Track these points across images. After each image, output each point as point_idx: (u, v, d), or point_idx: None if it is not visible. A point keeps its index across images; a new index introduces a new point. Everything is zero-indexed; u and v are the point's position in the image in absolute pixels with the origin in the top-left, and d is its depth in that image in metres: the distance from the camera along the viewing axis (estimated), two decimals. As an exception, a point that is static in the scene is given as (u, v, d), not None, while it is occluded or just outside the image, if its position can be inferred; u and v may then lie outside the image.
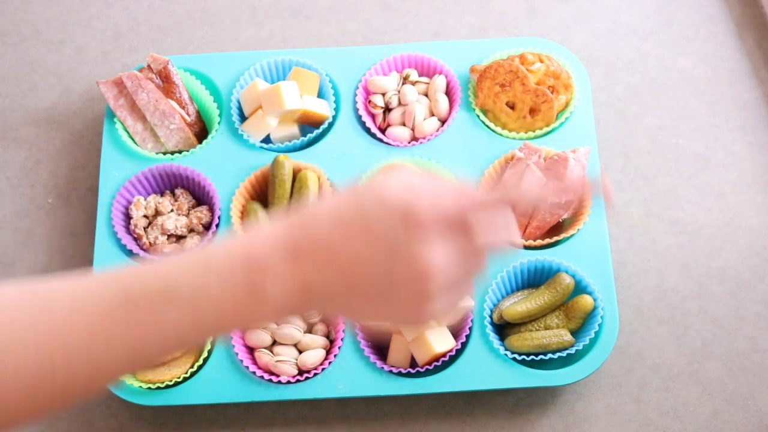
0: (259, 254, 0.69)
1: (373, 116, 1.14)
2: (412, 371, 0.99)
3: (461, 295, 0.72)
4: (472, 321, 1.00)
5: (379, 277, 0.69)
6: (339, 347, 1.00)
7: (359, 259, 0.69)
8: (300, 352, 1.00)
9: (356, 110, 1.13)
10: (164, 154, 1.13)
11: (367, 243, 0.68)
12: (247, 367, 0.99)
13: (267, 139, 1.13)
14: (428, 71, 1.15)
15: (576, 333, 1.00)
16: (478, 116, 1.12)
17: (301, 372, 1.00)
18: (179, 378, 0.99)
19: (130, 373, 0.69)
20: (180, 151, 1.13)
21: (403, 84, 1.14)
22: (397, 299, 0.69)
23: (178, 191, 1.10)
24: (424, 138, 1.11)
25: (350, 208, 0.70)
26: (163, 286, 0.69)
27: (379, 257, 0.68)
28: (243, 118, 1.14)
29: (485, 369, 0.98)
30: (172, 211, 1.09)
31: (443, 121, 1.13)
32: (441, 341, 0.97)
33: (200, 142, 1.14)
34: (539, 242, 1.04)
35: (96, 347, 0.68)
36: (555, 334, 0.98)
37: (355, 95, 1.14)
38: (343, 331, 1.00)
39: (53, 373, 0.67)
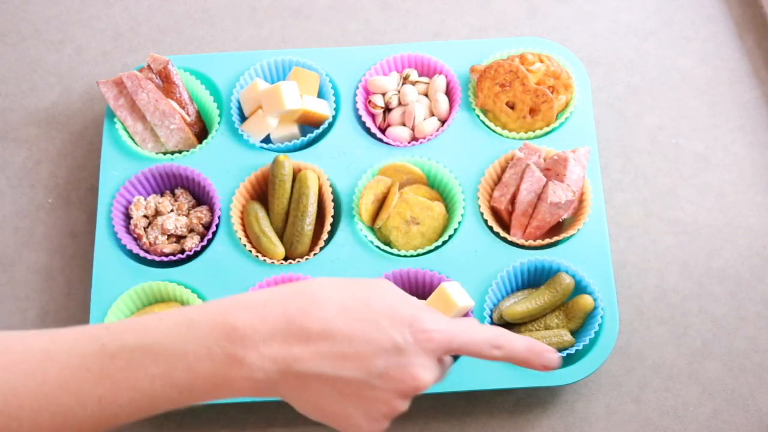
0: (243, 325, 0.68)
1: (373, 116, 1.14)
2: (412, 371, 0.99)
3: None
4: (472, 321, 1.00)
5: (369, 373, 0.70)
6: (339, 347, 1.00)
7: (357, 352, 0.69)
8: (300, 352, 1.00)
9: (356, 110, 1.13)
10: (164, 154, 1.13)
11: (371, 339, 0.70)
12: (247, 367, 0.99)
13: (267, 139, 1.13)
14: (428, 71, 1.15)
15: (576, 333, 1.00)
16: (478, 116, 1.12)
17: (301, 372, 1.00)
18: (179, 378, 0.99)
19: (97, 428, 0.68)
20: (180, 151, 1.13)
21: (403, 84, 1.14)
22: (373, 398, 0.71)
23: (178, 191, 1.10)
24: (424, 138, 1.11)
25: (356, 299, 0.71)
26: (142, 343, 0.68)
27: (379, 356, 0.69)
28: (243, 118, 1.14)
29: (485, 369, 0.98)
30: (172, 211, 1.09)
31: (443, 121, 1.13)
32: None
33: (200, 142, 1.14)
34: (539, 242, 1.04)
35: (66, 397, 0.67)
36: (555, 334, 0.98)
37: (355, 95, 1.14)
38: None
39: (20, 420, 0.66)
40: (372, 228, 1.08)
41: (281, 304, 0.69)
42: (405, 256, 1.04)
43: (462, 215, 1.06)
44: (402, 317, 0.72)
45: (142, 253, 1.06)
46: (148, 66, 1.14)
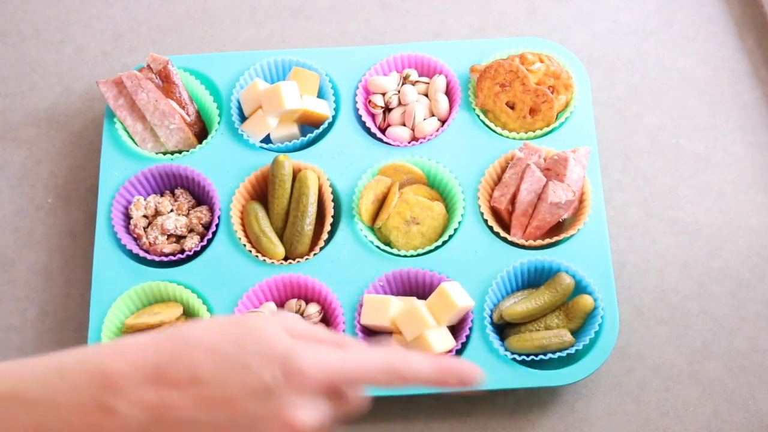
0: (114, 372, 0.66)
1: (373, 116, 1.14)
2: (412, 371, 0.99)
3: None
4: (472, 321, 1.00)
5: (242, 416, 0.66)
6: (339, 347, 1.00)
7: (228, 396, 0.66)
8: (300, 352, 1.00)
9: (356, 110, 1.13)
10: (164, 154, 1.13)
11: (240, 382, 0.66)
12: (247, 367, 0.99)
13: (267, 139, 1.13)
14: (428, 71, 1.15)
15: (576, 333, 1.00)
16: (478, 116, 1.12)
17: (301, 372, 0.99)
18: (179, 378, 0.99)
19: None
20: (180, 151, 1.13)
21: (403, 84, 1.14)
22: None
23: (177, 191, 1.10)
24: (424, 138, 1.11)
25: (228, 341, 0.67)
26: (13, 391, 0.66)
27: (250, 399, 0.66)
28: (243, 118, 1.14)
29: (485, 369, 0.96)
30: (172, 211, 1.09)
31: (443, 121, 1.13)
32: (441, 341, 0.97)
33: (200, 142, 1.14)
34: (539, 242, 1.04)
35: None
36: (555, 334, 0.98)
37: (355, 95, 1.14)
38: (343, 331, 1.00)
39: None
40: (372, 228, 1.08)
41: (154, 349, 0.67)
42: (405, 256, 1.04)
43: (462, 215, 1.06)
44: (274, 355, 0.66)
45: (141, 253, 1.06)
46: (148, 66, 1.14)
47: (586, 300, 0.99)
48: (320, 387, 0.66)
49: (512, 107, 1.11)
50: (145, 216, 1.09)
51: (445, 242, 1.05)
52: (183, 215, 1.08)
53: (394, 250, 1.05)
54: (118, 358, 0.67)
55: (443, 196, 1.09)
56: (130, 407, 0.66)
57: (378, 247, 1.05)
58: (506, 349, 0.99)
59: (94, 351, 0.68)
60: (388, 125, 1.13)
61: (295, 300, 1.03)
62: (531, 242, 1.04)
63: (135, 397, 0.66)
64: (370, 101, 1.13)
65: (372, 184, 1.07)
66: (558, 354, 0.98)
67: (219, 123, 1.13)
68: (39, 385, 0.67)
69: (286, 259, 1.06)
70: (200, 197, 1.11)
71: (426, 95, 1.14)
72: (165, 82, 1.13)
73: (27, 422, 0.66)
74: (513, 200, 1.06)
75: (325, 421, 0.68)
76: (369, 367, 0.68)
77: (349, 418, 0.70)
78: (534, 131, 1.10)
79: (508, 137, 1.10)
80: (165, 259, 1.06)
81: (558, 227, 1.06)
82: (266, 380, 0.66)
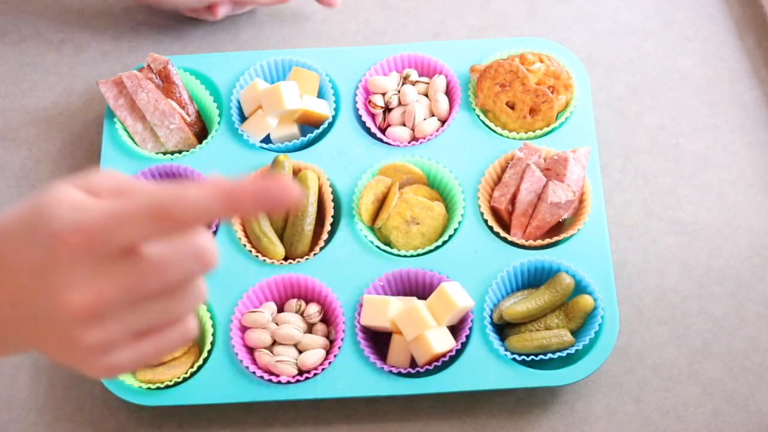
0: None
1: (373, 116, 1.14)
2: (412, 371, 0.99)
3: (160, 340, 0.57)
4: (472, 321, 1.00)
5: (27, 305, 0.55)
6: (339, 347, 1.00)
7: (7, 282, 0.56)
8: (300, 352, 1.00)
9: (356, 110, 1.13)
10: (164, 154, 1.13)
11: (15, 263, 0.55)
12: (247, 367, 0.99)
13: (267, 139, 1.13)
14: (428, 71, 1.15)
15: (576, 333, 1.00)
16: (478, 116, 1.12)
17: (301, 372, 1.00)
18: (179, 378, 0.99)
19: None
20: (180, 151, 1.13)
21: (403, 84, 1.14)
22: (54, 341, 0.56)
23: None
24: (424, 138, 1.11)
25: (13, 217, 0.56)
26: None
27: (26, 281, 0.55)
28: (243, 118, 1.14)
29: (485, 369, 0.98)
30: (172, 211, 1.09)
31: (443, 121, 1.13)
32: (441, 341, 0.97)
33: (200, 142, 1.14)
34: (539, 242, 1.04)
35: None
36: (555, 334, 0.98)
37: (355, 95, 1.14)
38: (343, 331, 1.00)
39: None
40: (372, 228, 1.08)
41: None
42: (405, 256, 1.04)
43: (462, 215, 1.06)
44: (42, 224, 0.53)
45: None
46: (148, 66, 1.14)
47: (586, 300, 0.99)
48: (93, 251, 0.53)
49: (512, 107, 1.11)
50: (145, 216, 1.08)
51: (445, 242, 1.05)
52: (183, 215, 1.08)
53: (394, 250, 1.05)
54: None
55: (443, 196, 1.09)
56: None
57: (378, 247, 1.05)
58: (506, 349, 0.99)
59: None
60: (388, 125, 1.13)
61: (295, 300, 1.03)
62: (531, 242, 1.04)
63: None
64: (370, 101, 1.13)
65: (372, 184, 1.07)
66: (558, 354, 0.98)
67: (219, 123, 1.13)
68: None
69: (286, 259, 1.06)
70: (200, 197, 1.11)
71: (426, 95, 1.14)
72: (165, 82, 1.13)
73: None
74: (513, 200, 1.06)
75: (109, 293, 0.54)
76: (138, 215, 0.53)
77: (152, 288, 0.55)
78: (534, 131, 1.10)
79: (508, 137, 1.10)
80: (165, 259, 1.05)
81: (558, 227, 1.06)
82: (37, 257, 0.54)
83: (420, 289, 1.04)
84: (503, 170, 1.08)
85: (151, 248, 0.54)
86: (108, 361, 0.57)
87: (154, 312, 0.56)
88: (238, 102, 1.14)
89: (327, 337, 1.02)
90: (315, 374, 0.99)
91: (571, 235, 1.04)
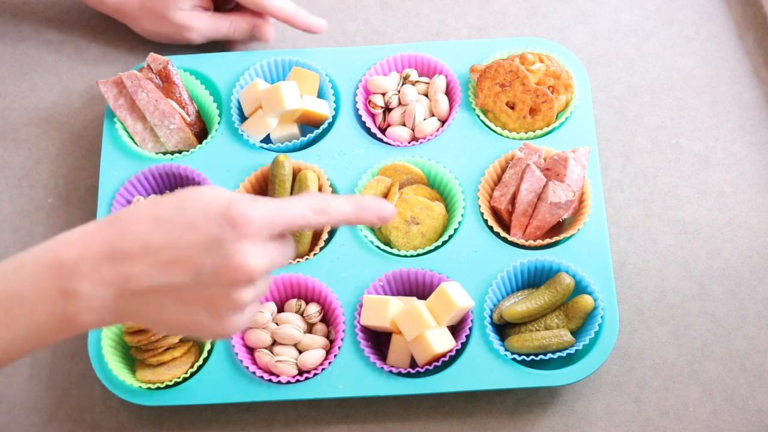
0: (66, 258, 0.69)
1: (373, 116, 1.14)
2: (412, 371, 0.99)
3: (254, 310, 0.75)
4: (472, 321, 1.00)
5: (198, 273, 0.70)
6: (339, 347, 1.00)
7: (181, 256, 0.70)
8: (300, 352, 1.00)
9: (356, 110, 1.13)
10: (164, 154, 1.13)
11: (187, 240, 0.70)
12: (247, 367, 0.99)
13: (267, 139, 1.13)
14: (428, 71, 1.15)
15: (576, 333, 1.00)
16: (478, 116, 1.12)
17: (301, 372, 1.00)
18: (179, 378, 0.99)
19: None
20: (180, 151, 1.13)
21: (403, 84, 1.14)
22: (210, 297, 0.71)
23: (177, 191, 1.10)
24: (424, 138, 1.11)
25: (170, 207, 0.71)
26: None
27: (203, 254, 0.69)
28: (243, 118, 1.14)
29: (485, 369, 0.98)
30: (172, 211, 1.09)
31: (443, 121, 1.13)
32: (441, 341, 0.97)
33: (200, 142, 1.14)
34: (539, 242, 1.04)
35: None
36: (555, 334, 0.98)
37: (355, 95, 1.14)
38: (343, 331, 1.00)
39: None
40: (372, 228, 1.08)
41: (100, 231, 0.71)
42: (405, 256, 1.04)
43: (462, 215, 1.06)
44: (217, 210, 0.71)
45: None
46: (148, 66, 1.14)
47: (586, 300, 0.99)
48: (265, 230, 0.71)
49: (512, 107, 1.11)
50: (145, 216, 1.08)
51: (445, 242, 1.05)
52: (183, 215, 1.08)
53: (394, 250, 1.05)
54: (70, 247, 0.70)
55: (443, 196, 1.09)
56: (91, 286, 0.69)
57: (378, 247, 1.05)
58: (506, 349, 0.99)
59: (45, 246, 0.71)
60: (388, 125, 1.13)
61: (295, 300, 1.03)
62: (531, 242, 1.04)
63: (94, 277, 0.69)
64: (370, 101, 1.13)
65: (372, 184, 1.07)
66: (558, 354, 0.98)
67: (219, 123, 1.13)
68: (3, 285, 0.69)
69: (286, 259, 1.06)
70: (200, 197, 1.11)
71: (426, 95, 1.14)
72: (165, 82, 1.13)
73: (1, 327, 0.69)
74: (513, 200, 1.06)
75: (272, 265, 0.73)
76: (302, 207, 0.74)
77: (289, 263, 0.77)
78: (534, 131, 1.10)
79: (508, 137, 1.10)
80: (165, 259, 1.05)
81: (558, 227, 1.06)
82: (214, 233, 0.70)
83: (420, 289, 1.04)
84: (503, 170, 1.08)
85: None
86: (239, 320, 0.74)
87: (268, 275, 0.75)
88: (238, 102, 1.14)
89: (327, 337, 1.02)
90: (315, 374, 0.99)
91: (571, 235, 1.04)
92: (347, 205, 0.76)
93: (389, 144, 1.11)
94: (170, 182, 1.11)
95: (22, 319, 0.69)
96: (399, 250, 1.05)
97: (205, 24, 1.18)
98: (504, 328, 1.02)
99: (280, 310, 1.04)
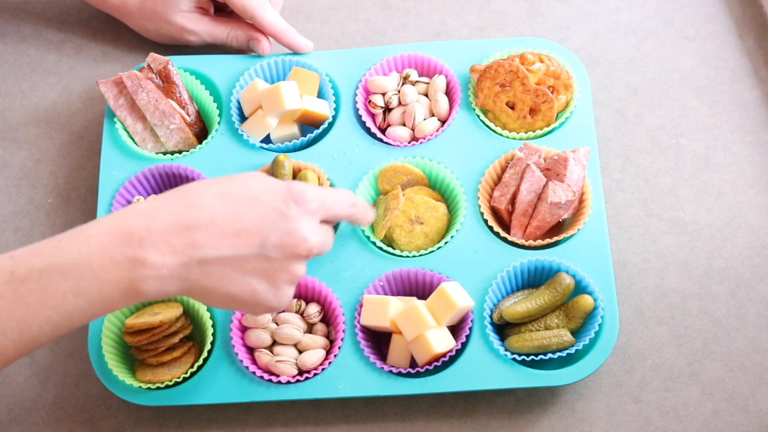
0: (135, 228, 0.73)
1: (373, 116, 1.14)
2: (412, 371, 0.99)
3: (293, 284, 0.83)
4: (472, 321, 1.00)
5: (263, 245, 0.75)
6: (339, 347, 1.00)
7: (248, 228, 0.75)
8: (300, 352, 1.00)
9: (356, 110, 1.13)
10: (164, 154, 1.13)
11: (253, 213, 0.75)
12: (247, 367, 0.99)
13: (267, 139, 1.13)
14: (428, 71, 1.15)
15: (576, 333, 1.00)
16: (478, 116, 1.12)
17: (301, 372, 1.00)
18: (179, 378, 0.99)
19: (21, 353, 0.74)
20: (180, 151, 1.13)
21: (403, 84, 1.14)
22: (272, 269, 0.77)
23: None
24: (424, 138, 1.11)
25: (234, 184, 0.77)
26: (48, 263, 0.72)
27: (269, 226, 0.75)
28: (243, 118, 1.14)
29: (485, 369, 0.98)
30: (172, 211, 1.09)
31: (443, 121, 1.13)
32: (441, 341, 0.97)
33: (200, 142, 1.14)
34: (539, 242, 1.04)
35: None
36: (555, 334, 0.98)
37: (355, 95, 1.14)
38: (343, 331, 1.00)
39: None
40: (374, 227, 1.07)
41: (167, 204, 0.74)
42: (405, 256, 1.04)
43: (463, 215, 1.06)
44: (279, 189, 0.77)
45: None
46: (148, 66, 1.14)
47: (586, 300, 0.99)
48: (321, 211, 0.80)
49: (512, 107, 1.11)
50: (145, 216, 1.08)
51: (446, 242, 1.05)
52: (183, 215, 1.08)
53: (396, 251, 1.05)
54: (137, 217, 0.74)
55: (444, 197, 1.09)
56: (160, 255, 0.72)
57: (379, 247, 1.05)
58: (506, 349, 0.99)
59: (112, 218, 0.75)
60: (388, 125, 1.13)
61: (295, 300, 1.03)
62: (531, 242, 1.04)
63: (163, 246, 0.72)
64: (370, 101, 1.13)
65: (381, 198, 1.07)
66: (558, 354, 0.98)
67: (219, 123, 1.13)
68: (71, 254, 0.73)
69: (286, 259, 1.06)
70: (200, 197, 1.11)
71: (426, 95, 1.14)
72: (165, 82, 1.13)
73: (67, 288, 0.72)
74: (513, 200, 1.06)
75: (322, 247, 0.82)
76: (342, 198, 0.88)
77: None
78: (534, 131, 1.10)
79: (508, 137, 1.10)
80: (165, 259, 1.05)
81: (558, 227, 1.06)
82: (281, 208, 0.76)
83: (420, 289, 1.04)
84: (503, 170, 1.08)
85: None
86: (290, 293, 0.81)
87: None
88: (238, 102, 1.14)
89: (327, 337, 1.02)
90: (315, 374, 0.99)
91: (571, 235, 1.04)
92: (363, 206, 0.92)
93: (389, 144, 1.11)
94: (170, 182, 1.11)
95: (91, 286, 0.72)
96: (401, 250, 1.05)
97: (204, 29, 1.18)
98: (504, 328, 1.02)
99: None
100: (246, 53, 1.20)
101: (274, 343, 1.01)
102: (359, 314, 1.01)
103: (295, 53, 1.17)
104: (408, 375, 0.99)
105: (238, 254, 0.75)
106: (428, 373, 0.98)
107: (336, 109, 1.14)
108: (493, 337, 0.99)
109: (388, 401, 1.01)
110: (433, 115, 1.13)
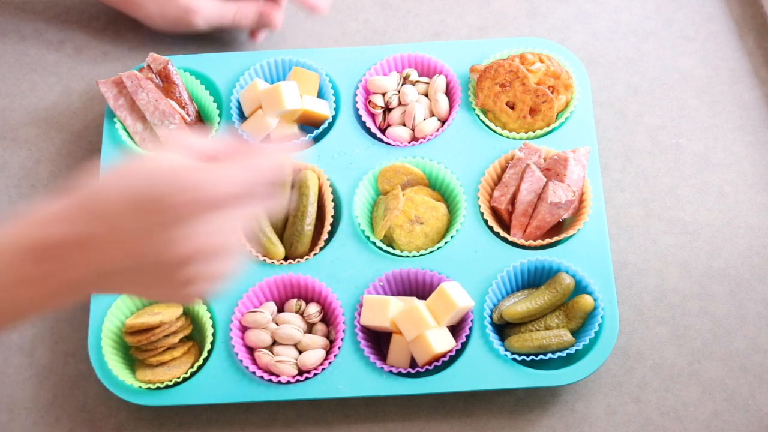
0: (49, 242, 0.70)
1: (373, 116, 1.14)
2: (412, 371, 0.99)
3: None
4: (472, 321, 1.00)
5: (167, 254, 0.70)
6: (339, 347, 1.00)
7: (150, 243, 0.70)
8: (300, 352, 1.00)
9: (356, 110, 1.13)
10: (164, 154, 1.13)
11: (160, 218, 0.69)
12: (247, 367, 0.99)
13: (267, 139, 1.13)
14: (428, 71, 1.15)
15: (576, 333, 1.00)
16: (478, 116, 1.12)
17: (301, 372, 1.00)
18: (179, 378, 0.99)
19: None
20: (180, 151, 1.13)
21: (403, 84, 1.14)
22: (155, 278, 0.72)
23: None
24: (424, 138, 1.11)
25: (142, 179, 0.70)
26: None
27: (171, 229, 0.70)
28: (243, 118, 1.14)
29: (485, 369, 0.98)
30: (172, 211, 1.09)
31: (443, 121, 1.13)
32: (441, 341, 0.97)
33: (200, 142, 1.14)
34: (539, 242, 1.04)
35: None
36: (555, 334, 0.98)
37: (355, 95, 1.14)
38: (343, 331, 1.00)
39: None
40: (373, 226, 1.07)
41: (69, 219, 0.71)
42: (405, 256, 1.04)
43: (463, 215, 1.06)
44: (185, 182, 0.70)
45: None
46: (148, 66, 1.14)
47: (586, 300, 0.99)
48: (232, 199, 0.71)
49: (512, 107, 1.11)
50: (145, 216, 1.08)
51: (446, 242, 1.05)
52: (183, 215, 1.08)
53: (395, 251, 1.05)
54: (47, 226, 0.71)
55: (445, 197, 1.09)
56: (66, 271, 0.70)
57: (379, 247, 1.05)
58: (506, 349, 0.99)
59: (22, 225, 0.71)
60: (388, 125, 1.13)
61: (295, 300, 1.03)
62: (531, 242, 1.04)
63: (71, 261, 0.70)
64: (370, 101, 1.13)
65: (381, 198, 1.07)
66: (558, 354, 0.98)
67: (219, 123, 1.13)
68: None
69: (286, 259, 1.06)
70: (200, 197, 1.11)
71: (426, 95, 1.14)
72: (165, 82, 1.13)
73: None
74: (513, 200, 1.06)
75: (246, 225, 0.74)
76: (261, 168, 0.73)
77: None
78: (534, 131, 1.10)
79: (508, 137, 1.10)
80: (165, 259, 1.05)
81: (558, 227, 1.06)
82: (180, 209, 0.69)
83: (420, 289, 1.04)
84: (503, 170, 1.08)
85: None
86: (191, 291, 0.74)
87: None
88: (238, 102, 1.14)
89: (327, 337, 1.02)
90: (315, 374, 0.99)
91: (571, 235, 1.04)
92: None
93: (389, 144, 1.11)
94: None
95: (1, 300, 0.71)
96: (401, 250, 1.05)
97: (211, 7, 1.16)
98: (504, 328, 1.02)
99: (280, 310, 1.04)
100: (248, 48, 1.20)
101: (274, 343, 1.01)
102: (359, 314, 1.01)
103: (311, 11, 1.17)
104: (408, 375, 0.99)
105: (137, 266, 0.72)
106: (428, 373, 0.98)
107: (336, 109, 1.14)
108: (493, 337, 0.99)
109: (388, 401, 1.01)
110: (433, 115, 1.13)
